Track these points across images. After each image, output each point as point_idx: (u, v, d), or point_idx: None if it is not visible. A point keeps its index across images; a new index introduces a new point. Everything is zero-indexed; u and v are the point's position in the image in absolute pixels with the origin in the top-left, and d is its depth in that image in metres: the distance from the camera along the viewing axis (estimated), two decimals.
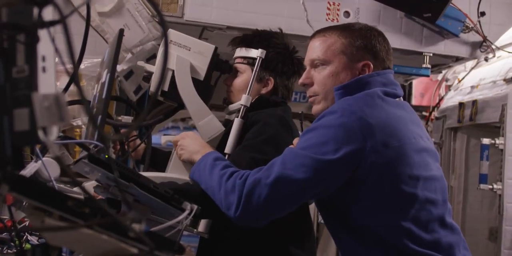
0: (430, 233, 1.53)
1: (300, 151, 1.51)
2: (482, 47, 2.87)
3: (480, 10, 2.77)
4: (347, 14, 2.72)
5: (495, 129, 3.12)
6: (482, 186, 2.99)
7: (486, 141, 3.02)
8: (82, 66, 2.32)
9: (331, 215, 1.66)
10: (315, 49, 1.69)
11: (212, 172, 1.64)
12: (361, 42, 1.64)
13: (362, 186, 1.50)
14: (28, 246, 1.42)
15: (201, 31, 2.68)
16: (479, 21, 2.79)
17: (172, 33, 2.02)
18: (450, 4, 2.66)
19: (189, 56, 2.02)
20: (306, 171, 1.47)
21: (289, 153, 1.54)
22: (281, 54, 2.12)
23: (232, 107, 2.12)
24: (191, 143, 1.86)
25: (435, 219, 1.55)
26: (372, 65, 1.64)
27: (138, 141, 2.27)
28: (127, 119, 2.28)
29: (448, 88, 3.92)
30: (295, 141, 1.72)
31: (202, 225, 1.83)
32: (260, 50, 2.04)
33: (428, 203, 1.54)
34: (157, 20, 2.46)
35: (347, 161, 1.46)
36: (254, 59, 2.06)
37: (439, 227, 1.56)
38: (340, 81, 1.63)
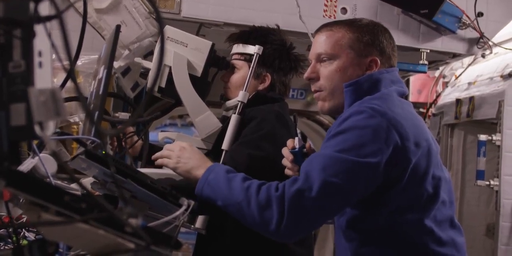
0: (445, 232, 1.53)
1: (339, 155, 1.40)
2: (479, 43, 2.87)
3: (477, 6, 2.77)
4: (344, 10, 2.72)
5: (492, 126, 3.12)
6: (479, 182, 2.99)
7: (483, 137, 3.02)
8: (79, 62, 2.31)
9: (351, 217, 1.56)
10: (321, 43, 1.64)
11: (231, 186, 1.48)
12: (368, 37, 1.61)
13: (395, 186, 1.46)
14: (25, 242, 1.42)
15: (198, 27, 2.68)
16: (476, 18, 2.80)
17: (169, 30, 2.02)
18: (447, 1, 2.67)
19: (186, 53, 2.02)
20: (351, 177, 1.39)
21: (327, 157, 1.42)
22: (278, 50, 2.12)
23: (230, 103, 2.12)
24: (191, 157, 1.67)
25: (446, 220, 1.55)
26: (379, 61, 1.61)
27: (135, 138, 2.27)
28: (124, 115, 2.27)
29: (445, 84, 3.92)
30: (289, 142, 1.69)
31: (199, 221, 1.83)
32: (257, 46, 2.04)
33: (441, 203, 1.53)
34: (154, 16, 2.46)
35: (387, 162, 1.41)
36: (251, 55, 2.06)
37: (449, 227, 1.56)
38: (347, 77, 1.59)
